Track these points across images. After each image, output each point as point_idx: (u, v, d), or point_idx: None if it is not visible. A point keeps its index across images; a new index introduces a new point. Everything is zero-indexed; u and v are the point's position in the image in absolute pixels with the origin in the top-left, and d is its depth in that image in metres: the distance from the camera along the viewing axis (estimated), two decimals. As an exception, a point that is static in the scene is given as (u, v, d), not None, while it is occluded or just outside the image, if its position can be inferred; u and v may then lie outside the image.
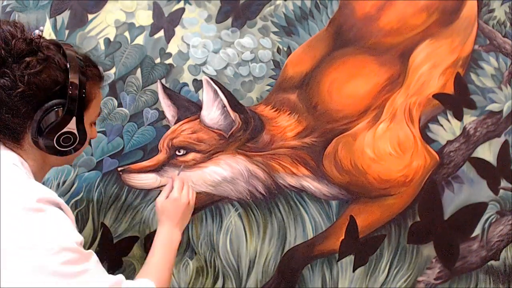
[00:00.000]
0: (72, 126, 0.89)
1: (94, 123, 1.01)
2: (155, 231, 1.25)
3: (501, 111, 1.26)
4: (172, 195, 1.10)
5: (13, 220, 0.78)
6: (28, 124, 0.88)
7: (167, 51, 1.25)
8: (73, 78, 0.88)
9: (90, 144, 1.23)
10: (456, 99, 1.26)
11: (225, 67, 1.25)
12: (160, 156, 1.23)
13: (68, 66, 0.88)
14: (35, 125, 0.87)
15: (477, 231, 1.27)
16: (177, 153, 1.22)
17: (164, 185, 1.22)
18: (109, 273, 1.23)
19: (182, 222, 1.09)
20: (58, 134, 0.88)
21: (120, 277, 0.89)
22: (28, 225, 0.78)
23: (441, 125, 1.26)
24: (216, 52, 1.25)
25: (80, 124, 0.90)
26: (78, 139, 0.91)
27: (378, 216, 1.26)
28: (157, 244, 1.04)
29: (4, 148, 0.90)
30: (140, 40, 1.25)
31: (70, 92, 0.88)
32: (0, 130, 0.89)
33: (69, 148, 0.91)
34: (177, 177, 1.17)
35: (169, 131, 1.24)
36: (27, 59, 0.85)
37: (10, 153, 0.89)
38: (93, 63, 0.97)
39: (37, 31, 0.91)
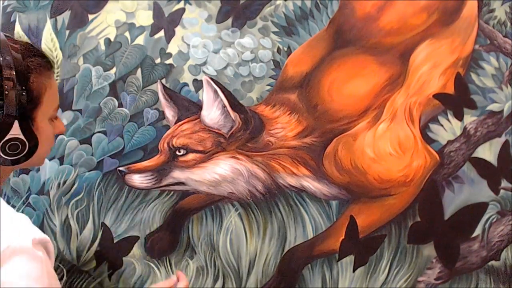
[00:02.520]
0: (15, 131, 0.79)
1: (56, 117, 0.90)
2: (155, 231, 1.26)
3: (501, 111, 1.26)
4: None
5: None
6: None
7: (167, 51, 1.25)
8: (8, 74, 0.78)
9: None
10: (457, 99, 1.26)
11: (225, 67, 1.26)
12: (161, 156, 1.24)
13: (0, 61, 0.78)
14: None
15: (478, 231, 1.26)
16: (177, 153, 1.22)
17: (164, 185, 1.23)
18: (110, 273, 1.25)
19: None
20: (1, 142, 0.79)
21: None
22: None
23: (442, 125, 1.26)
24: (216, 52, 1.26)
25: (27, 126, 0.81)
26: (27, 145, 0.81)
27: (378, 216, 1.26)
28: None
29: None
30: (140, 40, 1.25)
31: (7, 92, 0.77)
32: None
33: (19, 156, 0.81)
34: (182, 279, 1.05)
35: (169, 131, 1.24)
36: None
37: None
38: (36, 51, 0.86)
39: None
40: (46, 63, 0.87)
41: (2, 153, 0.80)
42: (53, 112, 0.88)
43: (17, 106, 0.78)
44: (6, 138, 0.79)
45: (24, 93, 0.79)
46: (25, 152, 0.81)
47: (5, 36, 0.83)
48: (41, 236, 0.78)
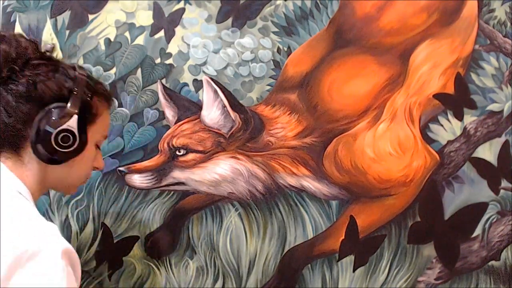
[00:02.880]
0: (72, 124, 0.85)
1: (99, 148, 0.97)
2: (155, 231, 1.26)
3: (501, 111, 1.26)
4: None
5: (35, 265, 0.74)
6: (29, 130, 0.84)
7: (167, 51, 1.25)
8: (80, 82, 0.87)
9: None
10: (457, 99, 1.26)
11: (225, 67, 1.26)
12: (161, 156, 1.24)
13: (77, 74, 0.88)
14: (35, 127, 0.84)
15: (478, 231, 1.26)
16: (177, 153, 1.22)
17: (165, 185, 1.23)
18: (110, 273, 1.25)
19: None
20: (57, 130, 0.84)
21: None
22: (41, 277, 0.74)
23: (442, 125, 1.26)
24: (216, 52, 1.26)
25: (82, 125, 0.86)
26: (78, 140, 0.85)
27: (378, 216, 1.26)
28: None
29: (5, 169, 0.85)
30: (140, 40, 1.25)
31: (75, 92, 0.86)
32: (3, 140, 0.85)
33: (67, 150, 0.85)
34: None
35: (169, 131, 1.24)
36: (36, 62, 0.86)
37: (12, 177, 0.85)
38: (103, 85, 0.98)
39: (49, 45, 0.92)
40: (109, 97, 0.97)
41: (55, 142, 0.84)
42: (100, 138, 0.95)
43: (82, 104, 0.86)
44: (63, 127, 0.84)
45: (89, 99, 0.88)
46: (73, 148, 0.86)
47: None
48: (67, 247, 0.78)
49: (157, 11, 1.25)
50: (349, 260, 1.26)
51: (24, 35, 0.92)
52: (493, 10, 1.26)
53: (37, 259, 0.74)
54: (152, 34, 1.25)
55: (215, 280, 1.26)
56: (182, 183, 1.23)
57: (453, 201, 1.26)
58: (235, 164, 1.22)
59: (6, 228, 0.77)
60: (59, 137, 0.84)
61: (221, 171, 1.22)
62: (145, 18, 1.26)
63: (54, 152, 0.85)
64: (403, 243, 1.26)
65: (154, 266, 1.26)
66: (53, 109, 0.84)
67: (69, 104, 0.85)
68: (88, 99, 0.88)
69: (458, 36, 1.25)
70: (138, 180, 1.23)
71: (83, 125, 0.87)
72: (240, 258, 1.26)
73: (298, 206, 1.26)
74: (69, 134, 0.85)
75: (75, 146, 0.86)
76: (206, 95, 1.22)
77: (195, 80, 1.25)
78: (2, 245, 0.74)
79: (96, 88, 0.92)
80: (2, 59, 0.84)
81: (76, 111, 0.85)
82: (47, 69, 0.86)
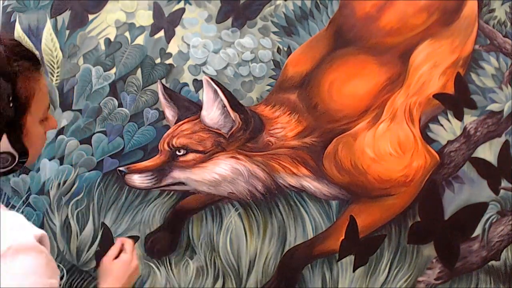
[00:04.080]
0: (4, 145, 0.74)
1: (46, 116, 0.83)
2: (155, 231, 1.26)
3: (501, 111, 1.26)
4: (124, 257, 0.98)
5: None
6: None
7: (168, 51, 1.26)
8: None
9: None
10: (457, 99, 1.26)
11: (225, 67, 1.26)
12: (161, 156, 1.24)
13: None
14: None
15: (478, 231, 1.26)
16: (177, 153, 1.22)
17: (164, 185, 1.23)
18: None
19: (128, 286, 0.97)
20: None
21: None
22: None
23: (442, 125, 1.26)
24: (216, 52, 1.26)
25: (16, 138, 0.75)
26: (17, 156, 0.76)
27: (378, 216, 1.26)
28: None
29: None
30: (140, 40, 1.25)
31: None
32: None
33: (11, 167, 0.76)
34: (127, 240, 1.02)
35: (169, 131, 1.24)
36: None
37: None
38: (23, 52, 0.78)
39: None
40: (34, 65, 0.79)
41: None
42: (43, 114, 0.81)
43: (4, 119, 0.73)
44: None
45: (11, 104, 0.73)
46: (15, 163, 0.76)
47: None
48: (39, 232, 0.74)
49: (157, 11, 1.25)
50: (349, 260, 1.26)
51: None
52: (493, 10, 1.26)
53: (16, 255, 0.70)
54: (152, 34, 1.25)
55: (215, 280, 1.26)
56: (182, 183, 1.23)
57: (453, 201, 1.26)
58: (235, 164, 1.22)
59: None
60: None
61: (221, 171, 1.22)
62: (145, 18, 1.26)
63: (0, 174, 0.77)
64: (403, 243, 1.26)
65: (154, 266, 1.26)
66: None
67: None
68: (10, 102, 0.73)
69: (458, 36, 1.25)
70: (138, 180, 1.23)
71: (15, 133, 0.75)
72: (240, 258, 1.26)
73: (298, 206, 1.26)
74: (7, 156, 0.75)
75: (18, 160, 0.76)
76: (206, 95, 1.22)
77: (195, 80, 1.26)
78: None
79: (16, 71, 0.75)
80: None
81: (3, 128, 0.73)
82: None
